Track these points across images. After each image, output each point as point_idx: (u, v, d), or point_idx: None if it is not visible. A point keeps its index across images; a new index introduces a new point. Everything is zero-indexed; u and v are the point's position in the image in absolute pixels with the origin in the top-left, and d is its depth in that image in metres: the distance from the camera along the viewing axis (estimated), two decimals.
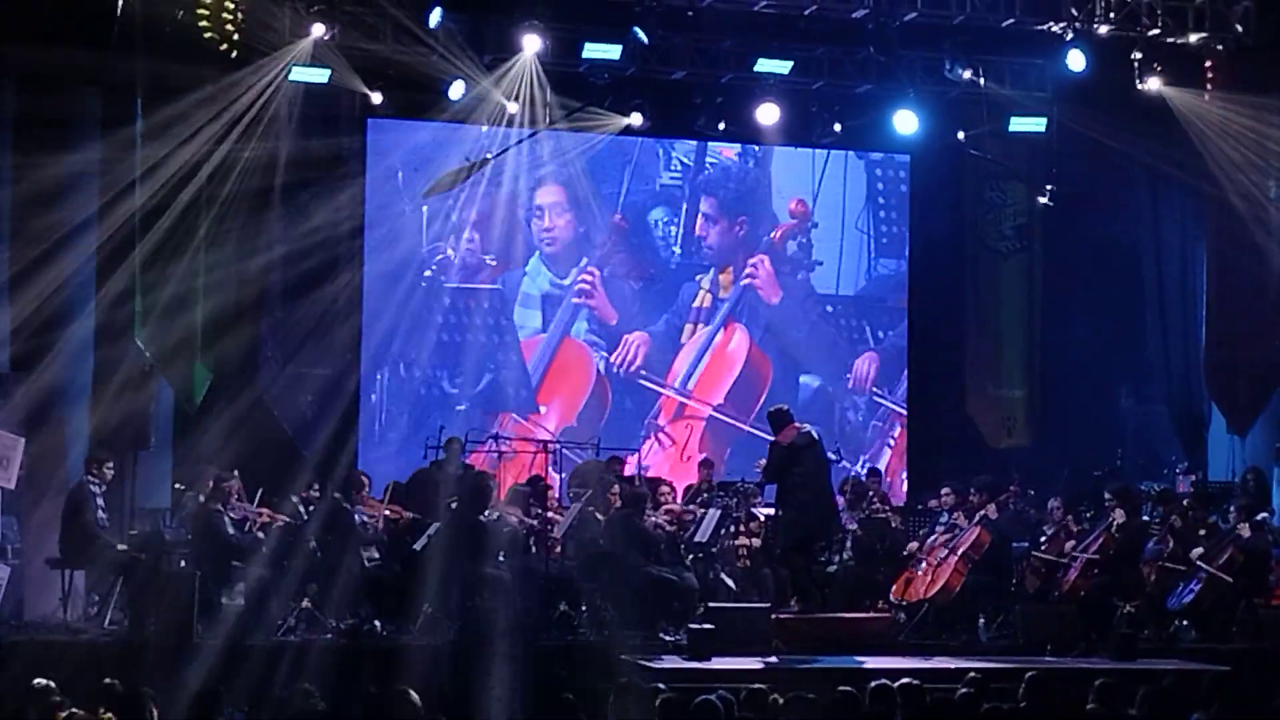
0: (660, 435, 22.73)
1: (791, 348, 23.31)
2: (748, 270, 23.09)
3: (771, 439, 18.01)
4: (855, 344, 23.50)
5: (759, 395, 22.57)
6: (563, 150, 21.98)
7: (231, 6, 18.53)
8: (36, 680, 11.34)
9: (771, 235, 23.38)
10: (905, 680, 11.95)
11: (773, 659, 16.48)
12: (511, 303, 22.42)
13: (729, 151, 23.27)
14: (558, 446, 20.47)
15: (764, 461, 18.30)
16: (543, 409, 22.35)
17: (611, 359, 22.62)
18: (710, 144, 23.00)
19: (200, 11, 18.43)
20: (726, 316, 23.13)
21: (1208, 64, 21.25)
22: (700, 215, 23.12)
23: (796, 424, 17.91)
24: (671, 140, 22.87)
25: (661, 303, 22.98)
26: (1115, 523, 18.41)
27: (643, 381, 22.71)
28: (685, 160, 23.14)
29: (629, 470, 21.06)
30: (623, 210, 22.82)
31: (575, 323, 22.67)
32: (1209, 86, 21.27)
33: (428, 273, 21.99)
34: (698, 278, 23.12)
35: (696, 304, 23.09)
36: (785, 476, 17.60)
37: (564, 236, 22.57)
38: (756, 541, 19.08)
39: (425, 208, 21.78)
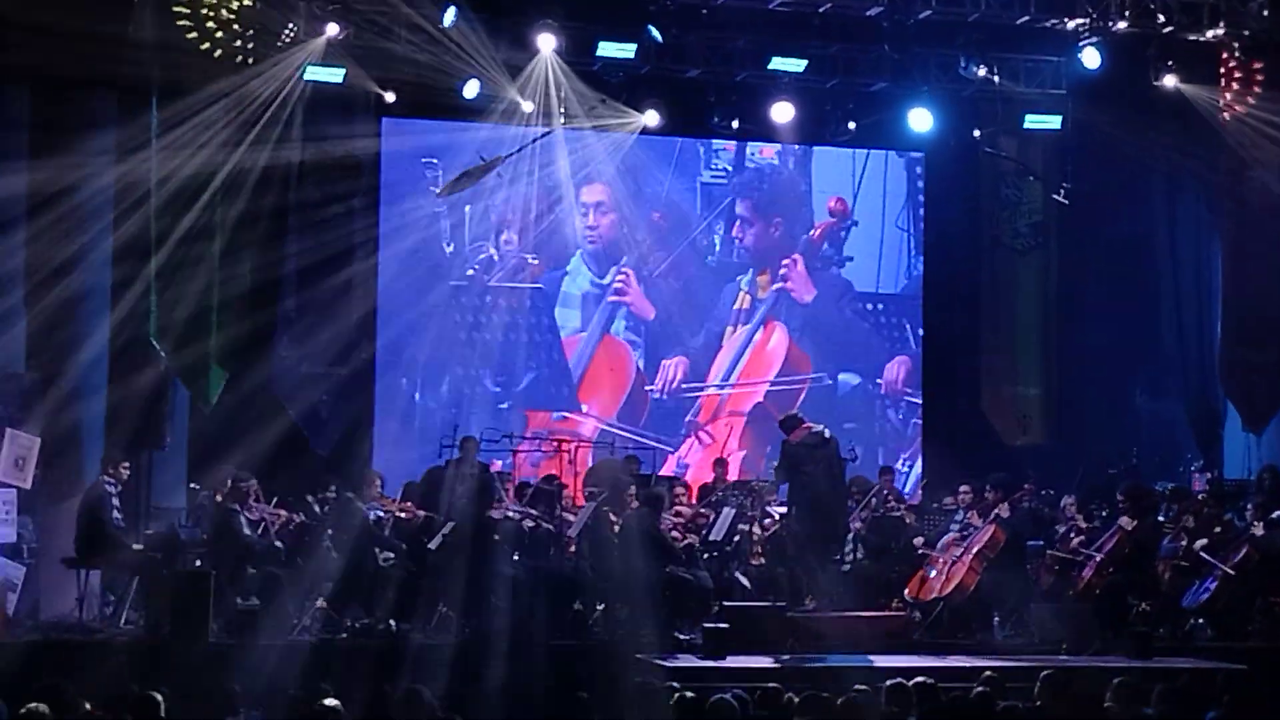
0: (700, 434, 22.79)
1: (830, 346, 23.33)
2: (781, 270, 23.09)
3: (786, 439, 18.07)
4: (895, 342, 23.53)
5: (799, 393, 22.52)
6: (605, 149, 22.02)
7: (210, 6, 18.55)
8: (52, 680, 11.35)
9: (811, 234, 23.40)
10: (920, 679, 11.95)
11: (787, 658, 16.46)
12: (553, 302, 22.51)
13: (768, 151, 23.30)
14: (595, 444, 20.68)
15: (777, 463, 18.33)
16: (584, 407, 22.40)
17: (655, 385, 22.69)
18: (750, 143, 23.04)
19: (180, 11, 18.48)
20: (766, 315, 23.14)
21: (1223, 60, 21.20)
22: (737, 219, 23.16)
23: (809, 425, 17.97)
24: (711, 140, 22.88)
25: (701, 302, 23.03)
26: (1133, 524, 18.40)
27: (685, 395, 22.79)
28: (726, 160, 23.21)
29: (669, 468, 21.46)
30: (663, 209, 22.86)
31: (614, 321, 22.77)
32: (1225, 83, 21.22)
33: (470, 271, 22.06)
34: (738, 278, 23.17)
35: (736, 305, 23.15)
36: (795, 475, 17.63)
37: (608, 235, 22.63)
38: (771, 524, 19.03)
39: (468, 207, 21.84)
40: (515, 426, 21.24)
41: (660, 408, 22.69)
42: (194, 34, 18.50)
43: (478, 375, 22.07)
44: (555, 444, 19.87)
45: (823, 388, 22.86)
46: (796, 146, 23.06)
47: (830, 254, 23.46)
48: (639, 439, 22.03)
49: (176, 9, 18.48)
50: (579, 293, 22.61)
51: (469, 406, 21.71)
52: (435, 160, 21.55)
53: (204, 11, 18.60)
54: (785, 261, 23.16)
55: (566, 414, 22.30)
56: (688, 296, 22.95)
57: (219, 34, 18.62)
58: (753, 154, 23.32)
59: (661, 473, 21.50)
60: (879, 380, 23.45)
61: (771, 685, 11.80)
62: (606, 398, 22.57)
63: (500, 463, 20.12)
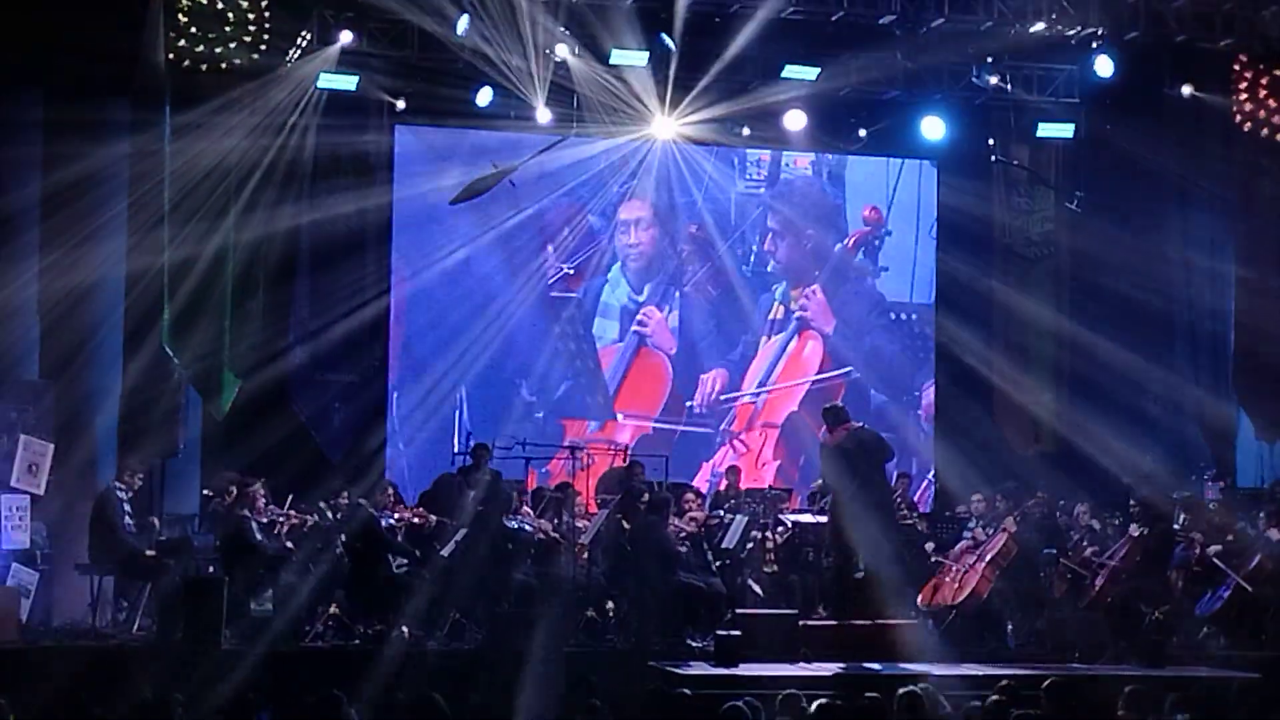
0: (735, 443, 22.81)
1: (863, 356, 23.34)
2: (802, 300, 23.07)
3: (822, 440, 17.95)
4: (928, 352, 23.50)
5: (836, 392, 22.48)
6: (636, 160, 22.13)
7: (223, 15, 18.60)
8: (65, 685, 11.38)
9: (845, 242, 23.41)
10: (933, 686, 11.93)
11: (800, 665, 16.44)
12: (591, 313, 22.55)
13: (802, 161, 23.32)
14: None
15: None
16: (620, 416, 22.43)
17: (695, 401, 22.73)
18: (784, 153, 23.08)
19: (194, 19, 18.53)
20: (800, 326, 23.14)
21: (1235, 69, 21.19)
22: (770, 232, 23.17)
23: (849, 425, 17.68)
24: (745, 150, 22.89)
25: (738, 312, 23.02)
26: (1141, 531, 18.40)
27: (723, 404, 22.83)
28: (761, 170, 23.19)
29: (703, 476, 21.70)
30: (699, 221, 22.87)
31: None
32: (1237, 91, 21.21)
33: (509, 280, 22.06)
34: (772, 288, 23.18)
35: (770, 316, 23.15)
36: (838, 482, 17.43)
37: (648, 251, 22.65)
38: (784, 532, 18.99)
39: (511, 217, 21.87)
40: (550, 435, 21.30)
41: (696, 417, 22.72)
42: (207, 44, 18.54)
43: (514, 384, 22.03)
44: (571, 452, 19.87)
45: (856, 398, 22.73)
46: (831, 157, 23.09)
47: (865, 264, 23.47)
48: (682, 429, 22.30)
49: (190, 17, 18.52)
50: (617, 304, 22.67)
51: (505, 414, 21.72)
52: (448, 167, 21.58)
53: (217, 20, 18.64)
54: (805, 292, 23.12)
55: (605, 421, 22.33)
56: (724, 307, 22.95)
57: (232, 42, 18.66)
58: (787, 164, 23.33)
59: (694, 481, 21.50)
60: (918, 412, 23.47)
61: (790, 692, 11.75)
62: (643, 407, 22.60)
63: (536, 472, 20.18)
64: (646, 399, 22.65)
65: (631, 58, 20.06)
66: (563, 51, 19.86)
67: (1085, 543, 19.00)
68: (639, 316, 22.68)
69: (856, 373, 23.13)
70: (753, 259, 23.16)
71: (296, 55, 19.31)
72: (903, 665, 16.16)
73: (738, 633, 16.63)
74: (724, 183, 23.03)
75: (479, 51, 19.71)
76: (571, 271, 22.35)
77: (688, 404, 22.72)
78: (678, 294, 22.86)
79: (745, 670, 15.93)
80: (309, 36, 19.39)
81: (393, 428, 21.48)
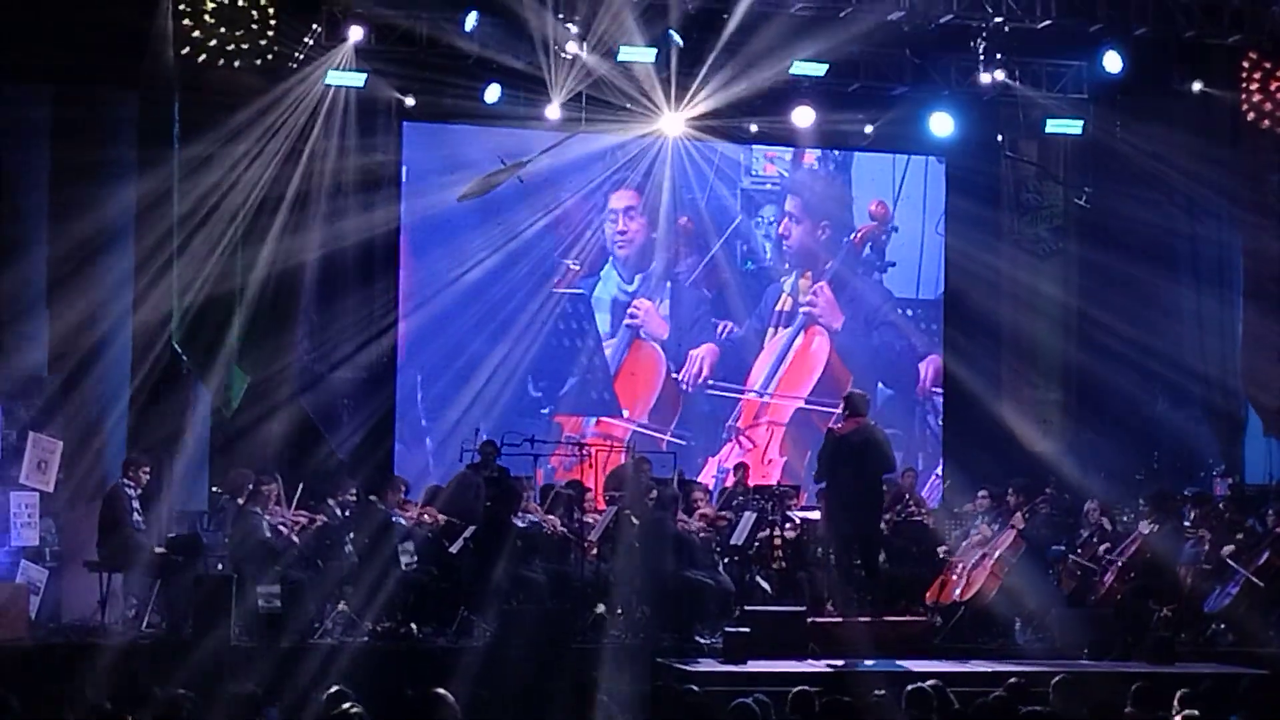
0: (741, 438, 22.78)
1: (870, 351, 23.30)
2: (807, 299, 23.05)
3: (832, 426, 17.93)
4: (933, 348, 23.50)
5: (839, 398, 22.43)
6: (643, 155, 22.14)
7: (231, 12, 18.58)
8: (74, 682, 11.39)
9: (852, 238, 23.39)
10: (942, 683, 11.92)
11: (809, 662, 16.44)
12: (594, 307, 22.49)
13: (809, 156, 23.27)
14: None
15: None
16: (626, 412, 22.41)
17: (679, 376, 22.64)
18: (792, 150, 23.04)
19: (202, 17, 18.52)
20: (806, 322, 23.12)
21: (1244, 65, 21.16)
22: (786, 216, 23.14)
23: (861, 419, 17.63)
24: (751, 145, 22.88)
25: (742, 307, 22.96)
26: (1150, 528, 18.40)
27: (712, 392, 22.74)
28: (766, 166, 23.15)
29: (708, 472, 21.60)
30: (703, 214, 22.82)
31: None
32: (1246, 86, 21.18)
33: (514, 275, 22.04)
34: (781, 280, 23.13)
35: (778, 307, 23.10)
36: (830, 474, 17.49)
37: (638, 240, 22.60)
38: (792, 529, 18.98)
39: (522, 215, 21.90)
40: (549, 432, 21.28)
41: (698, 411, 22.67)
42: (215, 41, 18.54)
43: (520, 380, 22.02)
44: (578, 448, 19.84)
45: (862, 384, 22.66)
46: (837, 152, 23.11)
47: (872, 259, 23.44)
48: (674, 440, 22.15)
49: (198, 16, 18.51)
50: (608, 298, 22.62)
51: (510, 411, 21.70)
52: (456, 164, 21.59)
53: (225, 17, 18.63)
54: (812, 288, 23.10)
55: (599, 418, 22.30)
56: (725, 298, 22.88)
57: (240, 40, 18.65)
58: (794, 159, 23.25)
59: (701, 477, 21.48)
60: (916, 390, 23.44)
61: (802, 688, 11.75)
62: (637, 401, 22.55)
63: (542, 471, 20.20)
64: (641, 391, 22.57)
65: (640, 54, 20.04)
66: (572, 48, 19.84)
67: (1095, 539, 18.99)
68: (630, 309, 22.64)
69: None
70: (768, 251, 23.10)
71: (304, 52, 19.27)
72: (911, 661, 16.13)
73: (746, 629, 16.65)
74: (732, 177, 22.99)
75: (487, 48, 19.71)
76: (578, 267, 22.33)
77: (672, 375, 22.56)
78: (668, 284, 22.76)
79: (753, 667, 15.96)
80: (317, 33, 19.38)
81: (400, 423, 21.47)
